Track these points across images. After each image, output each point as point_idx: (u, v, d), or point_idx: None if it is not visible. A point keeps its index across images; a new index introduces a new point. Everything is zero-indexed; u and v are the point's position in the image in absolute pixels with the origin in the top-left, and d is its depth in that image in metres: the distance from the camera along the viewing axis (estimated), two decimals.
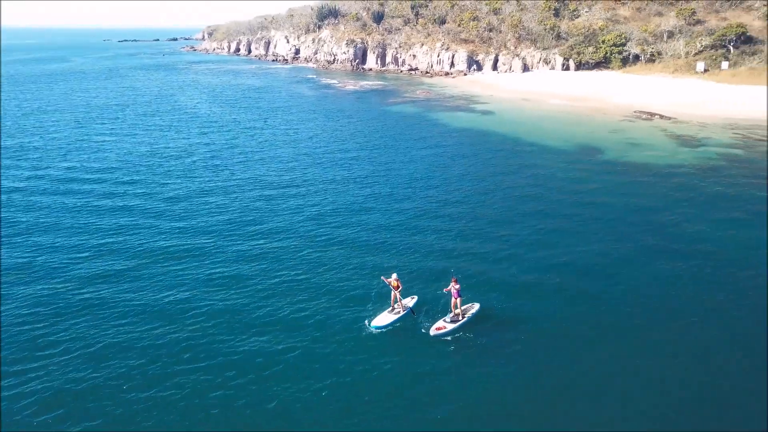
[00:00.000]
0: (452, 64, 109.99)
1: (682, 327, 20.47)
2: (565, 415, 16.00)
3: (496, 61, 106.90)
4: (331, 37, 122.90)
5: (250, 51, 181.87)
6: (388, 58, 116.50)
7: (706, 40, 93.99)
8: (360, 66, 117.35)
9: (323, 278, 24.22)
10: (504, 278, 24.34)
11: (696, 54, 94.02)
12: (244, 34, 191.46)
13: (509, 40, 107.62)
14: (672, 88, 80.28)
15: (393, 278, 21.06)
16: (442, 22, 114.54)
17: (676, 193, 36.86)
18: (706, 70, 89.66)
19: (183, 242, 28.16)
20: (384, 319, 20.34)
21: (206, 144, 51.03)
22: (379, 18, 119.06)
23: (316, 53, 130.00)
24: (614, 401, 16.58)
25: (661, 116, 64.28)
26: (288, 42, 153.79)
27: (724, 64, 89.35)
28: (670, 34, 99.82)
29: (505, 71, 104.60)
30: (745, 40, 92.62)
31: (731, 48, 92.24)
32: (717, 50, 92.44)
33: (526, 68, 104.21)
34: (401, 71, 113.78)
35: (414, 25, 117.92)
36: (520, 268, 25.26)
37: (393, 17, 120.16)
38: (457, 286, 20.36)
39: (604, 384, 17.34)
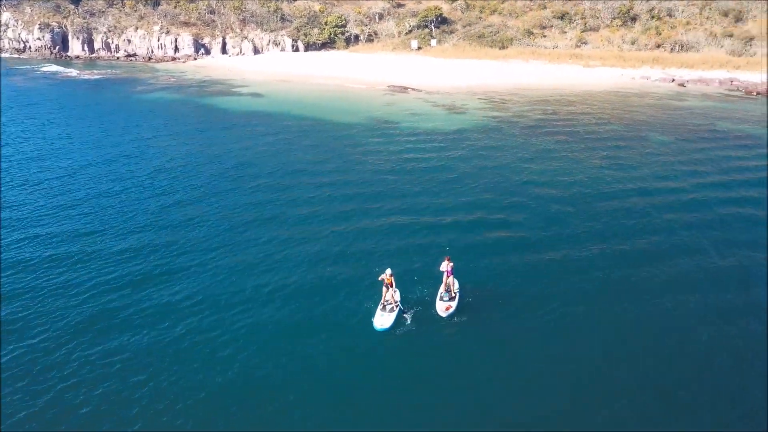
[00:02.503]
0: (176, 49, 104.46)
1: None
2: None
3: (224, 44, 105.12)
4: (16, 20, 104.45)
5: None
6: (98, 44, 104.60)
7: (413, 21, 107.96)
8: (62, 53, 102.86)
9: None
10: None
11: (407, 33, 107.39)
12: None
13: (234, 22, 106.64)
14: (400, 64, 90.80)
15: (387, 274, 20.62)
16: (156, 3, 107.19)
17: (481, 151, 44.05)
18: (419, 48, 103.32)
19: None
20: (387, 319, 20.04)
21: None
22: None
23: None
24: (614, 399, 17.16)
25: (412, 89, 72.92)
26: None
27: (433, 42, 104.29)
28: (381, 16, 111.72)
29: (236, 54, 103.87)
30: (442, 20, 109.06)
31: (433, 28, 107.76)
32: (423, 29, 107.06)
33: (257, 51, 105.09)
34: (117, 58, 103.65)
35: (121, 8, 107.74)
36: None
37: None
38: (451, 264, 21.34)
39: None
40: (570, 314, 21.35)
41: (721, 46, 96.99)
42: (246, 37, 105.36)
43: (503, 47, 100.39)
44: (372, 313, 20.61)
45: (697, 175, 39.15)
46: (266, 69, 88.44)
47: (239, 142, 45.76)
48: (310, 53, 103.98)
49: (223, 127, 51.07)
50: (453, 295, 21.40)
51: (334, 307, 21.46)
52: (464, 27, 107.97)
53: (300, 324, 20.41)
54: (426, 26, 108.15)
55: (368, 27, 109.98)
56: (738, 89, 79.28)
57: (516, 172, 38.59)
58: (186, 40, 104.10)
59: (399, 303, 20.67)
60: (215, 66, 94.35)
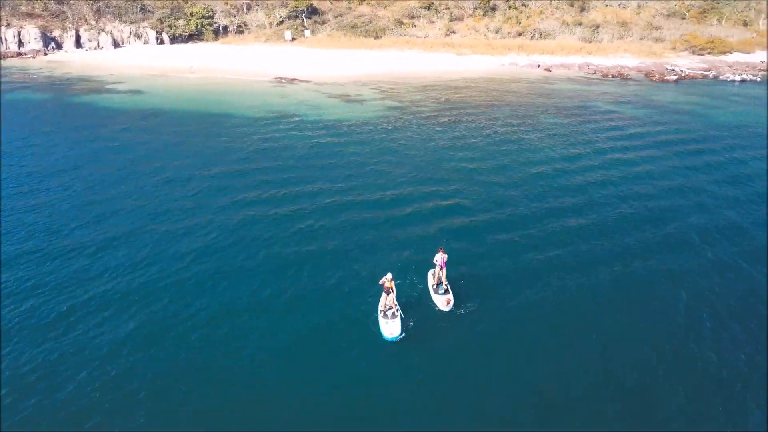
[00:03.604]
0: (21, 43, 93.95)
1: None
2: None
3: (78, 37, 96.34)
4: None
5: None
6: None
7: (283, 12, 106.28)
8: None
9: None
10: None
11: (278, 24, 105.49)
12: None
13: (87, 14, 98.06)
14: (279, 55, 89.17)
15: (387, 278, 20.15)
16: None
17: (389, 137, 45.08)
18: (294, 39, 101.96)
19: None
20: (395, 326, 19.61)
21: None
22: None
23: None
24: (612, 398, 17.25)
25: (300, 80, 72.09)
26: None
27: (307, 33, 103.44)
28: (249, 7, 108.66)
29: (94, 48, 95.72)
30: (312, 11, 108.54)
31: (304, 18, 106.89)
32: (294, 20, 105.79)
33: (117, 44, 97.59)
34: None
35: None
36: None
37: None
38: (445, 256, 21.52)
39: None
40: (565, 289, 22.93)
41: (574, 34, 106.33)
42: (103, 30, 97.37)
43: (377, 37, 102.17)
44: (364, 321, 20.26)
45: (602, 152, 43.27)
46: (135, 63, 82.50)
47: (141, 141, 42.83)
48: (177, 46, 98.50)
49: (110, 127, 47.21)
50: (446, 287, 21.65)
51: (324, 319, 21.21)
52: (336, 17, 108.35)
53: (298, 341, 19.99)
54: (297, 17, 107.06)
55: (237, 18, 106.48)
56: (595, 73, 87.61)
57: (443, 159, 40.08)
58: (32, 33, 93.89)
59: (398, 306, 20.15)
60: (73, 62, 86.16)
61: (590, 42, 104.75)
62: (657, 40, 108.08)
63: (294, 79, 72.36)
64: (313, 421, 16.02)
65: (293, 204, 30.73)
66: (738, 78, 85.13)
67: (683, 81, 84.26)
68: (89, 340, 18.90)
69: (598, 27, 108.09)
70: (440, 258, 21.43)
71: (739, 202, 32.94)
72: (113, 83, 67.55)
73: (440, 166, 38.31)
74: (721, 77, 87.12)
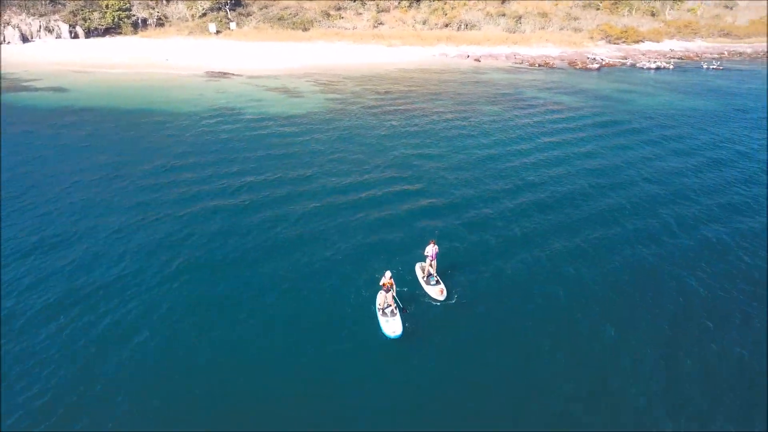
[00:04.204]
0: None
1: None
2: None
3: None
4: None
5: None
6: None
7: (206, 4, 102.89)
8: None
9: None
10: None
11: (201, 17, 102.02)
12: None
13: None
14: (206, 49, 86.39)
15: (387, 277, 19.65)
16: None
17: (349, 129, 44.96)
18: (218, 32, 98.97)
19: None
20: (396, 324, 19.16)
21: None
22: None
23: None
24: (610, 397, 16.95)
25: (233, 74, 70.23)
26: None
27: (232, 25, 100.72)
28: None
29: None
30: (236, 2, 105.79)
31: (228, 10, 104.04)
32: (217, 12, 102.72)
33: (25, 39, 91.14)
34: None
35: None
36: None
37: None
38: (436, 248, 21.44)
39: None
40: (538, 265, 23.67)
41: (498, 25, 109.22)
42: (9, 23, 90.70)
43: (305, 29, 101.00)
44: (363, 320, 19.90)
45: (546, 134, 45.05)
46: (51, 59, 77.30)
47: (74, 140, 40.31)
48: (94, 40, 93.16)
49: (38, 124, 44.14)
50: (437, 278, 21.74)
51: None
52: (261, 9, 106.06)
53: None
54: (220, 8, 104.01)
55: (156, 10, 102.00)
56: (522, 62, 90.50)
57: (397, 148, 40.25)
58: None
59: (397, 303, 19.79)
60: None
61: (514, 32, 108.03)
62: (575, 30, 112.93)
63: (226, 73, 70.36)
64: (315, 421, 15.74)
65: (251, 196, 29.92)
66: (653, 65, 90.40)
67: (605, 69, 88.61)
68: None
69: (520, 18, 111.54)
70: (432, 250, 21.42)
71: (673, 174, 35.19)
72: (31, 80, 63.09)
73: (394, 155, 38.43)
74: (638, 65, 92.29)
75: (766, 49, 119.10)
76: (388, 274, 19.71)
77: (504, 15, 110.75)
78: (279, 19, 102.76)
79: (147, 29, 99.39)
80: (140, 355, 17.79)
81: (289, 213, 28.29)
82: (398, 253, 24.42)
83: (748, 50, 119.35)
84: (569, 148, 41.88)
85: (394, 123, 47.89)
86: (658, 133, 47.06)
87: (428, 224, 27.19)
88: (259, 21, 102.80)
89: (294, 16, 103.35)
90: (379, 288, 19.96)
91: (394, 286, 19.72)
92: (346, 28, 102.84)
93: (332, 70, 75.35)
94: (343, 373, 17.30)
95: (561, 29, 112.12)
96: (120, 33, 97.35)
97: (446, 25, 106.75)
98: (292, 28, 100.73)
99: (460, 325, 19.87)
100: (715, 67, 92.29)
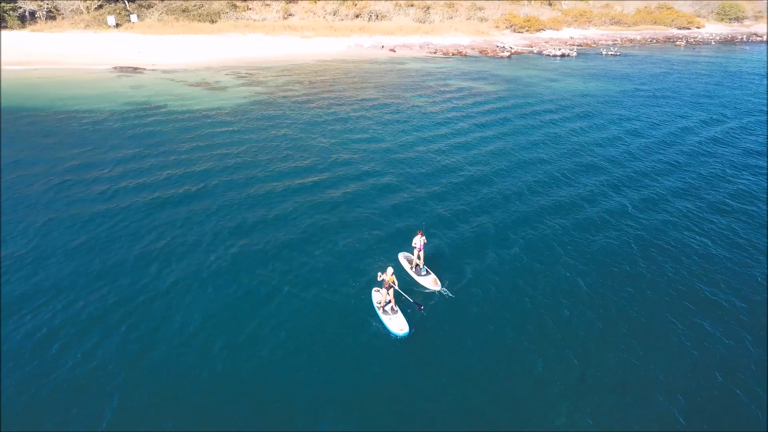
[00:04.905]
0: None
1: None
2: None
3: None
4: None
5: None
6: None
7: None
8: None
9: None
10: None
11: (96, 9, 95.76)
12: None
13: None
14: (105, 43, 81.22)
15: (389, 273, 18.90)
16: None
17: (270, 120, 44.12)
18: (118, 24, 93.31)
19: None
20: (402, 321, 18.64)
21: None
22: None
23: None
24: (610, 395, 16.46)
25: (146, 69, 66.68)
26: None
27: (134, 17, 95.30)
28: None
29: None
30: None
31: (127, 2, 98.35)
32: (115, 4, 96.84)
33: None
34: None
35: None
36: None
37: None
38: (423, 239, 21.39)
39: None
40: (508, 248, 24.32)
41: (408, 15, 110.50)
42: None
43: (213, 21, 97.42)
44: (364, 321, 19.20)
45: (472, 116, 46.16)
46: None
47: None
48: None
49: None
50: (426, 268, 21.67)
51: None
52: (162, 1, 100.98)
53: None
54: (117, 0, 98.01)
55: (46, 2, 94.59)
56: (436, 52, 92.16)
57: (340, 142, 39.87)
58: None
59: (406, 299, 19.40)
60: None
61: (424, 23, 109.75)
62: (481, 19, 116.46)
63: (137, 68, 66.63)
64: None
65: (198, 192, 28.71)
66: (558, 53, 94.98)
67: (515, 56, 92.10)
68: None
69: (428, 8, 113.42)
70: (419, 241, 21.40)
71: (597, 145, 37.49)
72: None
73: (341, 148, 38.09)
74: (544, 52, 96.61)
75: (653, 36, 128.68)
76: (390, 270, 18.98)
77: (413, 6, 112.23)
78: (183, 10, 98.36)
79: (37, 23, 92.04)
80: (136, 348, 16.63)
81: (234, 205, 27.39)
82: (380, 245, 24.32)
83: (638, 37, 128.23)
84: (503, 131, 43.59)
85: (327, 112, 47.52)
86: (578, 111, 50.11)
87: (383, 209, 27.30)
88: (162, 13, 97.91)
89: (199, 8, 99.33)
90: (373, 285, 19.69)
91: (396, 282, 19.03)
92: (255, 20, 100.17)
93: (250, 63, 73.33)
94: (354, 378, 16.86)
95: (468, 19, 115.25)
96: (6, 27, 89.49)
97: (357, 16, 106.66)
98: (199, 20, 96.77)
99: (470, 313, 19.72)
100: (612, 53, 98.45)
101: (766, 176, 34.93)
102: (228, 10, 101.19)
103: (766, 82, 72.19)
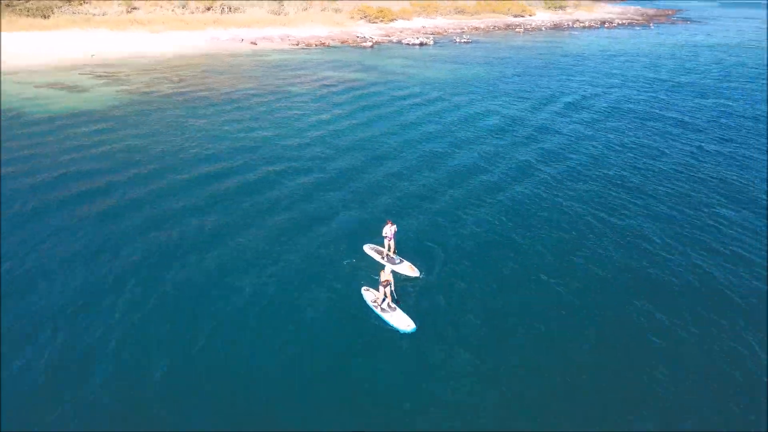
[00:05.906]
0: None
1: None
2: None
3: None
4: None
5: None
6: None
7: None
8: None
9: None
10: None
11: None
12: None
13: None
14: None
15: (387, 272, 18.36)
16: None
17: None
18: None
19: None
20: (404, 317, 18.12)
21: None
22: None
23: None
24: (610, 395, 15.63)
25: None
26: None
27: None
28: None
29: None
30: None
31: None
32: None
33: None
34: None
35: None
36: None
37: None
38: (394, 228, 21.29)
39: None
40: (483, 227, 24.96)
41: (262, 8, 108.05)
42: None
43: (46, 17, 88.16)
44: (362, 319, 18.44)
45: (323, 111, 46.73)
46: None
47: None
48: None
49: None
50: (399, 257, 21.65)
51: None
52: None
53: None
54: None
55: None
56: (298, 44, 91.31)
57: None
58: None
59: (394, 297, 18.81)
60: None
61: (279, 14, 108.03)
62: (336, 10, 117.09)
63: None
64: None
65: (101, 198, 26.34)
66: (417, 41, 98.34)
67: (377, 46, 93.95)
68: None
69: (282, 1, 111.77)
70: (390, 230, 21.31)
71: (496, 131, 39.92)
72: None
73: (224, 142, 36.62)
74: (403, 42, 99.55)
75: (494, 24, 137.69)
76: (388, 268, 18.66)
77: None
78: (7, 5, 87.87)
79: None
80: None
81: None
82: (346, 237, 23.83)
83: (482, 25, 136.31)
84: (392, 116, 44.59)
85: (207, 108, 45.63)
86: (464, 98, 52.34)
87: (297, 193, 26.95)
88: (40, 8, 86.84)
89: (26, 2, 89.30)
90: (356, 286, 19.53)
91: (393, 283, 18.58)
92: (94, 15, 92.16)
93: (105, 61, 67.57)
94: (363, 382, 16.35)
95: (323, 10, 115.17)
96: None
97: (208, 9, 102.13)
98: (27, 15, 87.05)
99: (458, 289, 19.87)
100: (465, 40, 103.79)
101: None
102: (62, 4, 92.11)
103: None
